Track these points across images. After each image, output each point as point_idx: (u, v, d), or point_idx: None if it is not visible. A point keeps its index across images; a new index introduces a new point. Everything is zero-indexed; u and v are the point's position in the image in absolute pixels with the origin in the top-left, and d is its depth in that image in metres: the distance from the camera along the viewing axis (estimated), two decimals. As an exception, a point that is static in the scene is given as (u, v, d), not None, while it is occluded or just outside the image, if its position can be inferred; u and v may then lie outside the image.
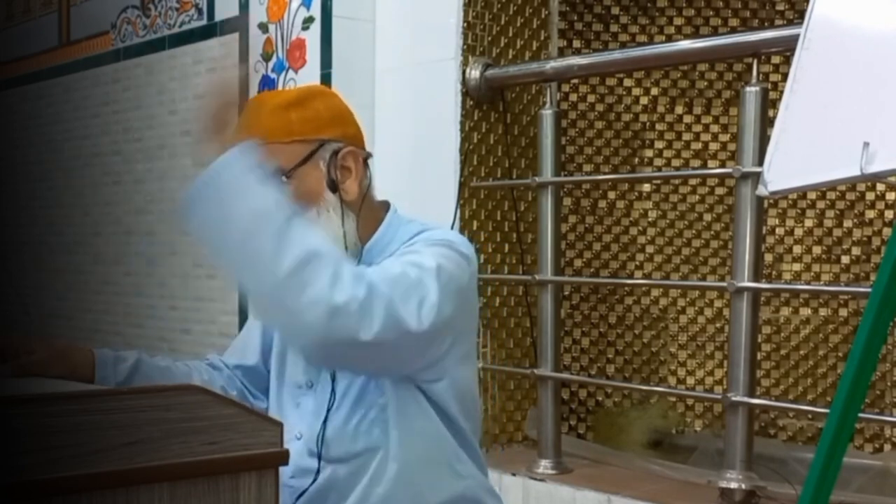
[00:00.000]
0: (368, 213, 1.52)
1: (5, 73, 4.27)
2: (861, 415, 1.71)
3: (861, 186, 2.93)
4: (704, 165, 3.06)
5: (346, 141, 1.50)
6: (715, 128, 3.08)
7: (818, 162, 1.27)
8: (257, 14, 3.01)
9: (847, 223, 2.99)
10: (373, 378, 1.46)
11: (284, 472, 1.49)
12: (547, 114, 2.62)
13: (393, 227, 1.54)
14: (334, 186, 1.47)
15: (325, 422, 1.48)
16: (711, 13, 3.06)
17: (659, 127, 3.10)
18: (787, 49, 2.20)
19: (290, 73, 2.90)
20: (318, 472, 1.48)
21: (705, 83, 3.08)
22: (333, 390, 1.49)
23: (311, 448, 1.49)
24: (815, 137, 1.28)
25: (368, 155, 1.55)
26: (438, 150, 2.72)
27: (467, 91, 2.74)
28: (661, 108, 3.09)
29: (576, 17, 3.07)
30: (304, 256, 1.26)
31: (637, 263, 3.10)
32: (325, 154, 1.47)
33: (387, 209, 1.57)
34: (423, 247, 1.44)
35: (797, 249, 3.02)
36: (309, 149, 1.46)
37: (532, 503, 2.49)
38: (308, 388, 1.54)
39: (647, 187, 3.10)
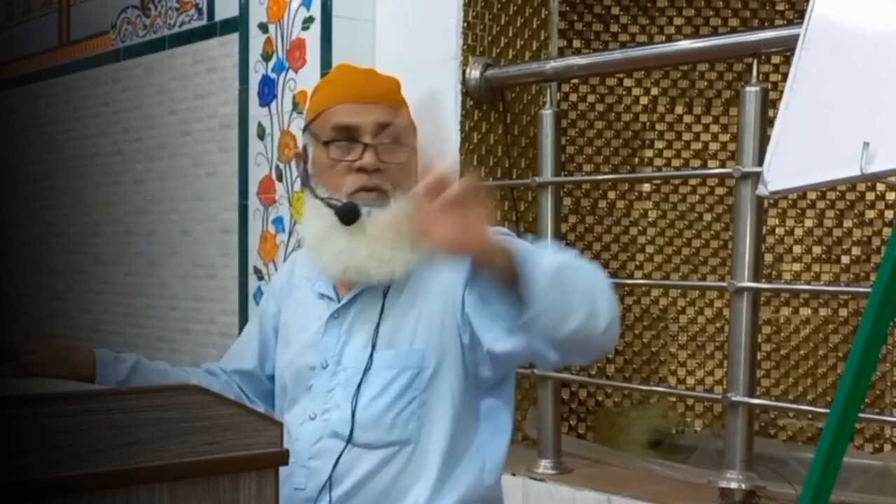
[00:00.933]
0: None
1: (5, 73, 4.27)
2: (861, 415, 1.71)
3: (861, 186, 2.94)
4: (704, 165, 3.06)
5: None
6: (715, 128, 3.08)
7: (818, 162, 1.27)
8: (257, 14, 3.01)
9: (847, 223, 2.99)
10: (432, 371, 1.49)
11: (302, 454, 1.50)
12: (547, 114, 2.62)
13: None
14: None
15: (355, 404, 1.49)
16: (711, 13, 3.06)
17: (659, 127, 3.10)
18: (787, 49, 2.20)
19: (290, 73, 2.90)
20: (343, 452, 1.48)
21: (705, 83, 3.08)
22: (366, 374, 1.49)
23: (334, 429, 1.50)
24: (815, 137, 1.28)
25: None
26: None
27: (467, 91, 2.74)
28: (661, 108, 3.10)
29: (576, 17, 3.07)
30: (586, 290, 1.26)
31: (637, 263, 3.10)
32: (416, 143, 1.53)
33: None
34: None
35: (797, 249, 3.02)
36: (415, 131, 1.50)
37: (532, 503, 2.49)
38: (322, 369, 1.54)
39: (647, 187, 3.10)
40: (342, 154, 1.50)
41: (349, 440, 1.48)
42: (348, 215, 1.47)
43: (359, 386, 1.49)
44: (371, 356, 1.50)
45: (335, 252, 1.49)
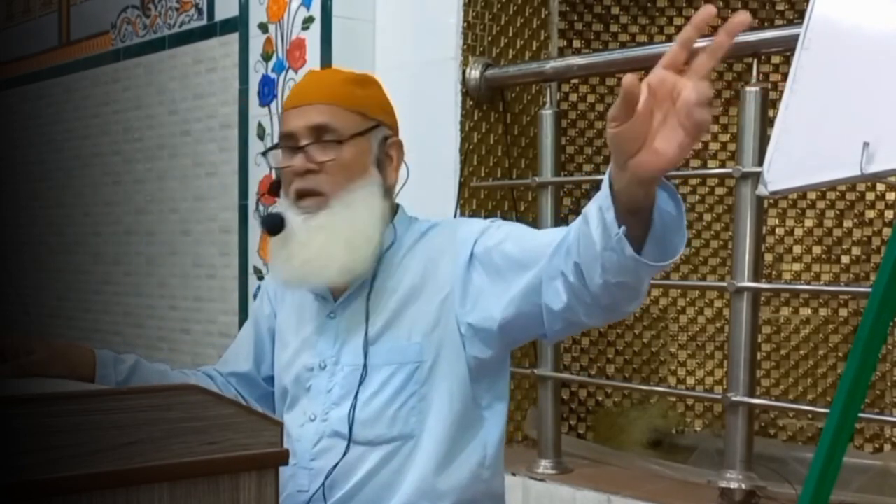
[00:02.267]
0: (391, 205, 1.58)
1: (5, 73, 4.27)
2: (861, 415, 1.71)
3: (861, 186, 2.93)
4: (704, 165, 3.06)
5: (394, 132, 1.57)
6: (715, 128, 3.08)
7: (818, 162, 1.27)
8: (257, 14, 3.01)
9: (847, 223, 2.98)
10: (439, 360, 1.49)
11: (303, 455, 1.51)
12: (547, 114, 2.62)
13: (405, 221, 1.59)
14: (380, 166, 1.53)
15: (354, 402, 1.49)
16: (711, 13, 3.06)
17: (659, 127, 3.09)
18: (787, 49, 2.20)
19: (290, 73, 2.90)
20: (346, 451, 1.49)
21: (705, 83, 3.07)
22: (365, 372, 1.49)
23: (335, 428, 1.50)
24: (815, 137, 1.28)
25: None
26: (438, 150, 2.72)
27: (467, 91, 2.74)
28: (661, 108, 3.09)
29: (576, 17, 3.07)
30: None
31: (637, 263, 3.09)
32: (379, 135, 1.53)
33: (398, 207, 1.62)
34: (518, 227, 1.52)
35: (797, 249, 3.02)
36: (368, 123, 1.52)
37: (532, 503, 2.49)
38: (320, 370, 1.54)
39: (647, 187, 3.09)
40: (285, 161, 1.52)
41: (350, 439, 1.48)
42: (267, 227, 1.50)
43: (358, 384, 1.50)
44: (365, 354, 1.50)
45: (277, 264, 1.52)
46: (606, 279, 1.21)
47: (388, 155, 1.54)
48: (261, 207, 1.50)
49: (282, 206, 1.53)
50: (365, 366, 1.50)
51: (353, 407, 1.49)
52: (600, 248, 1.19)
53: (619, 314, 1.35)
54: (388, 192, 1.55)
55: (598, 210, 1.18)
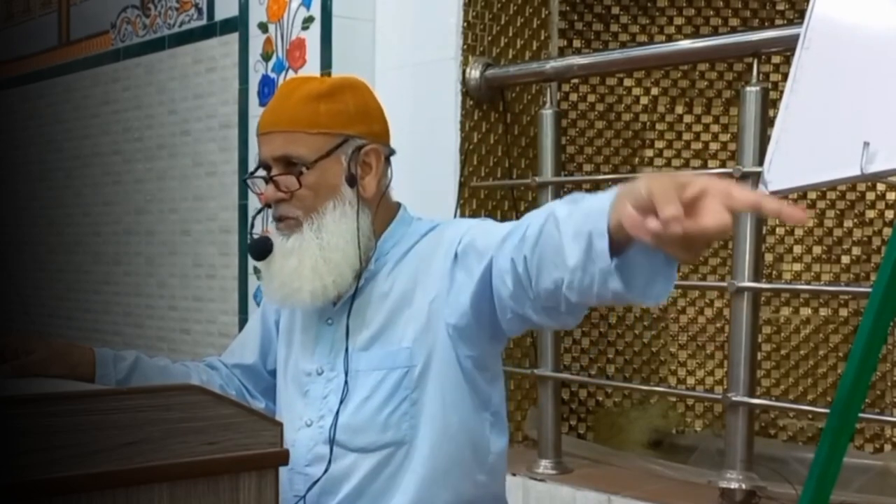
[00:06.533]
0: (384, 211, 1.55)
1: (5, 73, 4.27)
2: (861, 415, 1.71)
3: (861, 186, 2.93)
4: (705, 165, 3.06)
5: (370, 138, 1.51)
6: (715, 127, 3.08)
7: (818, 162, 1.27)
8: (257, 14, 3.01)
9: (847, 223, 2.99)
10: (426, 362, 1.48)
11: (299, 460, 1.50)
12: (547, 113, 2.62)
13: (405, 223, 1.57)
14: (353, 181, 1.48)
15: (338, 409, 1.48)
16: (712, 13, 3.06)
17: (659, 127, 3.10)
18: (788, 49, 2.20)
19: (290, 73, 2.90)
20: (329, 460, 1.48)
21: (706, 83, 3.08)
22: (346, 378, 1.49)
23: (327, 435, 1.49)
24: (816, 137, 1.28)
25: (392, 152, 1.56)
26: (438, 150, 2.72)
27: (467, 91, 2.74)
28: (661, 108, 3.09)
29: (576, 17, 3.07)
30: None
31: (637, 263, 3.10)
32: (348, 149, 1.48)
33: (398, 207, 1.59)
34: (490, 222, 1.48)
35: (797, 249, 3.02)
36: (333, 143, 1.47)
37: (532, 503, 2.49)
38: (318, 375, 1.54)
39: (647, 187, 3.10)
40: (262, 188, 1.52)
41: (333, 444, 1.48)
42: (254, 253, 1.53)
43: (345, 391, 1.49)
44: (346, 359, 1.49)
45: (264, 284, 1.55)
46: (566, 294, 1.19)
47: (364, 164, 1.49)
48: (255, 224, 1.50)
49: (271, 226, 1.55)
50: (346, 377, 1.49)
51: (336, 416, 1.49)
52: (573, 265, 1.16)
53: (561, 325, 1.33)
54: (370, 201, 1.50)
55: (586, 233, 1.15)
